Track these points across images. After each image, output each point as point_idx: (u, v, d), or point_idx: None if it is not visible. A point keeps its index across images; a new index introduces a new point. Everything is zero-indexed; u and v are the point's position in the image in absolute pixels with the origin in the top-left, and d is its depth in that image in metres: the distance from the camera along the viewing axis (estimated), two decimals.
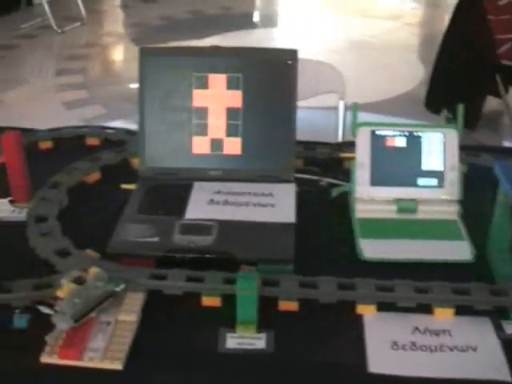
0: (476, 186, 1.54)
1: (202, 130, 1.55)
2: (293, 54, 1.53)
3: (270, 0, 8.19)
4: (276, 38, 6.54)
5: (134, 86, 5.05)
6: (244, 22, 7.00)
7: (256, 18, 7.47)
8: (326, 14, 7.18)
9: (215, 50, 1.56)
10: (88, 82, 5.25)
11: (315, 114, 3.78)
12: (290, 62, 1.53)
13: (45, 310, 1.20)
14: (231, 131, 1.55)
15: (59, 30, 6.41)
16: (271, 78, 1.54)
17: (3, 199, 1.57)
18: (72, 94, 4.94)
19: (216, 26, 6.58)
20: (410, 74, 5.35)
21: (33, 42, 6.29)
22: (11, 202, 1.56)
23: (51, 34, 6.39)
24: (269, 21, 7.32)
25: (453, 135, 1.50)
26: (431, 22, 7.07)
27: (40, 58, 6.08)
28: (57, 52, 6.23)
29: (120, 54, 6.37)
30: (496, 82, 4.03)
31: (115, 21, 7.30)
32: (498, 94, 4.14)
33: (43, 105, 4.77)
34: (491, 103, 4.31)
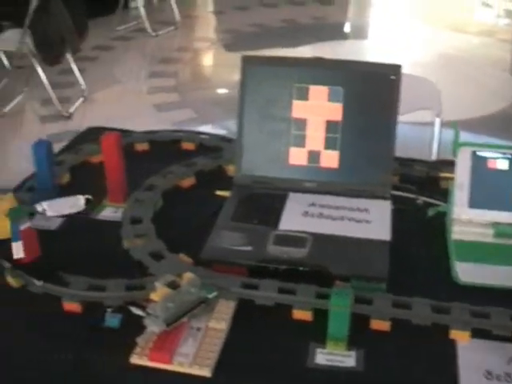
0: None
1: (300, 142, 1.54)
2: (396, 69, 1.51)
3: (362, 11, 8.13)
4: (367, 50, 6.49)
5: (223, 91, 5.09)
6: (336, 32, 6.97)
7: (347, 28, 7.43)
8: (418, 27, 7.08)
9: (317, 62, 1.55)
10: (179, 85, 5.32)
11: (408, 129, 3.73)
12: (393, 77, 1.50)
13: (136, 311, 1.21)
14: (329, 144, 1.53)
15: (153, 34, 6.52)
16: (373, 92, 1.52)
17: (80, 196, 1.59)
18: (163, 96, 5.01)
19: (308, 36, 6.57)
20: (503, 91, 5.22)
21: (127, 44, 6.43)
22: (88, 200, 1.58)
23: (145, 37, 6.51)
24: (360, 32, 7.27)
25: None
26: None
27: (134, 60, 6.21)
28: (150, 55, 6.34)
29: (211, 59, 6.43)
30: None
31: (208, 26, 7.38)
32: None
33: (135, 106, 4.86)
34: None
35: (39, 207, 1.52)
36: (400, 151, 1.66)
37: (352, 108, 1.52)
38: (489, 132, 4.31)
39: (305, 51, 5.97)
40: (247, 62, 1.56)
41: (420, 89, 2.38)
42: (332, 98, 1.52)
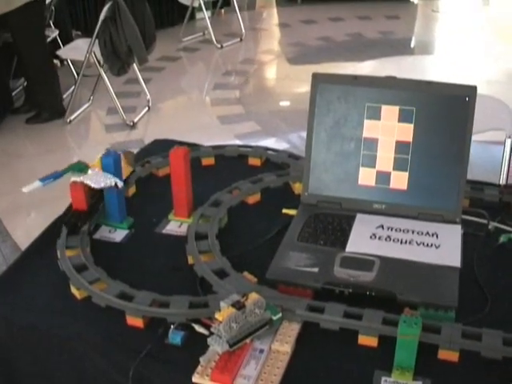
0: None
1: (370, 162, 1.52)
2: (472, 90, 1.47)
3: (428, 26, 8.05)
4: (432, 66, 6.40)
5: (287, 104, 5.08)
6: (401, 47, 6.91)
7: (413, 43, 7.35)
8: (489, 43, 6.96)
9: (389, 81, 1.52)
10: (243, 97, 5.33)
11: (476, 148, 3.65)
12: (467, 99, 1.46)
13: (200, 329, 1.20)
14: (399, 165, 1.50)
15: (218, 45, 6.57)
16: (446, 113, 1.48)
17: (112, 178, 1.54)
18: (227, 108, 5.03)
19: (374, 50, 6.52)
20: None
21: (193, 55, 6.48)
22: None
23: (211, 49, 6.57)
24: (426, 47, 7.19)
25: None
26: None
27: (198, 72, 6.26)
28: (215, 66, 6.38)
29: (275, 71, 6.44)
30: None
31: (273, 39, 7.40)
32: None
33: (198, 117, 4.88)
34: None
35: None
36: (468, 171, 1.62)
37: (423, 129, 1.48)
38: None
39: (370, 66, 5.93)
40: (318, 79, 1.54)
41: (491, 109, 2.32)
42: (403, 118, 1.49)
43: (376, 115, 1.50)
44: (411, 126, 1.49)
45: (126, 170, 1.63)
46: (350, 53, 6.46)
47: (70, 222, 1.51)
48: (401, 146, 1.50)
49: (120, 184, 1.52)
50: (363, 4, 8.34)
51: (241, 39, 6.83)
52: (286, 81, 5.78)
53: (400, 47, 6.81)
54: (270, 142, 4.18)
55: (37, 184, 1.51)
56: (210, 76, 6.02)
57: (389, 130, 1.50)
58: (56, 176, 1.54)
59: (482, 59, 6.40)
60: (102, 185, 1.50)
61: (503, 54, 6.58)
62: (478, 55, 6.53)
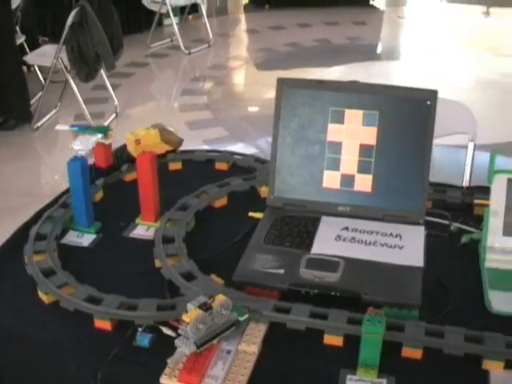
0: None
1: (334, 165, 1.54)
2: (432, 94, 1.50)
3: (395, 32, 8.14)
4: (399, 71, 6.48)
5: (255, 109, 5.10)
6: (369, 53, 6.97)
7: (380, 49, 7.43)
8: (452, 50, 7.06)
9: (353, 86, 1.55)
10: (211, 103, 5.34)
11: (440, 152, 3.70)
12: (429, 103, 1.50)
13: (167, 331, 1.21)
14: (363, 168, 1.53)
15: (186, 51, 6.58)
16: (408, 117, 1.51)
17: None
18: (195, 114, 5.04)
19: (341, 56, 6.58)
20: None
21: (161, 61, 6.49)
22: None
23: (179, 55, 6.57)
24: (393, 53, 7.26)
25: None
26: None
27: (167, 77, 6.27)
28: (183, 72, 6.39)
29: (243, 77, 6.46)
30: None
31: (242, 45, 7.43)
32: None
33: (166, 123, 4.85)
34: None
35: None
36: (432, 174, 1.65)
37: (387, 132, 1.51)
38: None
39: (337, 72, 5.97)
40: (283, 84, 1.56)
41: (455, 113, 2.36)
42: (367, 122, 1.51)
43: (340, 119, 1.53)
44: (375, 130, 1.51)
45: (160, 146, 1.68)
46: (318, 58, 6.51)
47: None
48: (365, 149, 1.52)
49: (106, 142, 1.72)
50: (331, 10, 8.41)
51: (209, 45, 6.86)
52: (254, 86, 5.81)
53: (367, 53, 6.88)
54: (239, 147, 4.19)
55: (66, 127, 1.77)
56: (178, 82, 6.03)
57: (353, 133, 1.52)
58: (82, 128, 1.73)
59: (448, 65, 6.49)
60: (90, 146, 1.64)
61: (469, 59, 6.68)
62: (445, 61, 6.62)
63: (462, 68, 6.45)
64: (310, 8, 8.39)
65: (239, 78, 6.40)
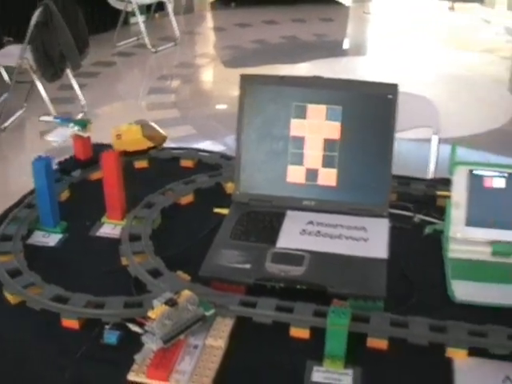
0: None
1: (298, 160, 1.55)
2: (393, 88, 1.52)
3: (361, 28, 8.19)
4: (366, 67, 6.52)
5: (223, 107, 5.11)
6: (335, 49, 7.01)
7: (347, 45, 7.47)
8: (418, 45, 7.12)
9: (316, 81, 1.56)
10: (179, 101, 5.34)
11: (405, 145, 3.74)
12: (390, 97, 1.52)
13: (134, 328, 1.21)
14: (327, 162, 1.54)
15: (153, 50, 6.56)
16: (370, 111, 1.53)
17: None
18: (163, 112, 5.03)
19: (308, 52, 6.61)
20: (504, 108, 5.24)
21: (128, 60, 6.47)
22: None
23: (146, 53, 6.56)
24: (359, 49, 7.31)
25: None
26: None
27: (134, 76, 6.25)
28: (150, 71, 6.38)
29: (211, 75, 6.47)
30: None
31: (209, 43, 7.43)
32: None
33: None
34: None
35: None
36: (398, 167, 1.67)
37: (350, 127, 1.53)
38: (488, 149, 4.33)
39: (304, 68, 6.00)
40: (246, 80, 1.57)
41: (418, 107, 2.40)
42: (330, 116, 1.53)
43: (302, 114, 1.54)
44: (338, 124, 1.53)
45: (141, 142, 1.78)
46: (285, 55, 6.53)
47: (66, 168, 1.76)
48: (329, 144, 1.54)
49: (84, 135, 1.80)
50: (297, 7, 8.43)
51: (175, 43, 6.85)
52: (222, 84, 5.81)
53: (334, 49, 6.92)
54: (206, 145, 4.19)
55: (50, 118, 1.92)
56: (145, 80, 6.02)
57: (316, 128, 1.54)
58: (63, 120, 1.83)
59: (413, 60, 6.55)
60: (65, 139, 1.74)
61: (434, 54, 6.75)
62: (410, 56, 6.68)
63: (427, 63, 6.50)
64: (276, 5, 8.40)
65: (206, 76, 6.40)
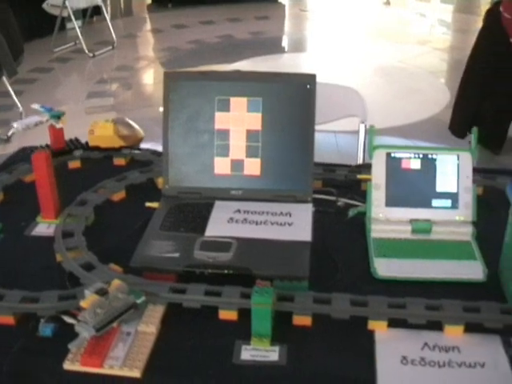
0: (492, 208, 1.57)
1: (224, 152, 1.61)
2: (311, 78, 1.59)
3: (297, 25, 8.28)
4: (304, 63, 6.62)
5: (160, 108, 5.09)
6: (273, 46, 7.09)
7: (285, 42, 7.56)
8: (356, 40, 7.25)
9: (237, 75, 1.62)
10: (117, 104, 5.35)
11: (341, 138, 3.83)
12: (308, 87, 1.58)
13: (69, 319, 1.25)
14: (251, 152, 1.60)
15: (91, 54, 6.55)
16: (290, 101, 1.59)
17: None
18: (101, 116, 5.03)
19: (245, 51, 6.68)
20: (437, 98, 5.39)
21: (66, 65, 6.44)
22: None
23: (83, 58, 6.54)
24: (297, 45, 7.40)
25: (467, 158, 1.54)
26: (460, 47, 7.10)
27: (72, 81, 6.23)
28: (88, 75, 6.36)
29: (150, 77, 6.48)
30: None
31: (146, 45, 7.44)
32: None
33: (72, 127, 4.85)
34: None
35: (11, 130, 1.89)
36: (333, 158, 1.74)
37: (271, 117, 1.59)
38: (420, 138, 4.45)
39: (242, 66, 6.06)
40: (169, 77, 1.62)
41: (344, 97, 2.47)
42: (251, 108, 1.59)
43: (226, 107, 1.60)
44: (259, 115, 1.59)
45: (114, 140, 1.89)
46: (222, 54, 6.59)
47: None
48: (251, 135, 1.60)
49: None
50: (233, 6, 8.51)
51: (113, 47, 6.84)
52: (160, 85, 5.79)
53: (270, 46, 7.00)
54: (146, 147, 4.20)
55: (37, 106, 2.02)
56: (84, 85, 6.00)
57: (239, 120, 1.60)
58: (46, 109, 1.99)
59: (349, 54, 6.66)
60: (25, 127, 1.87)
61: (370, 48, 6.88)
62: (347, 51, 6.79)
63: (362, 56, 6.63)
64: (212, 5, 8.48)
65: (145, 78, 6.41)
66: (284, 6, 9.01)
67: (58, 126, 1.94)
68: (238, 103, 1.59)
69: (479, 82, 4.09)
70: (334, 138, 4.05)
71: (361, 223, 1.57)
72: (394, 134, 4.50)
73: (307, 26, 8.18)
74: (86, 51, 6.55)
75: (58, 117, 1.94)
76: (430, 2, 9.55)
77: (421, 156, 1.54)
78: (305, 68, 6.25)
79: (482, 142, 4.33)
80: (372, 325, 1.27)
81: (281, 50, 7.19)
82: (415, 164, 1.54)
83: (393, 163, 1.54)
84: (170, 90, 1.61)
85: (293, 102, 1.59)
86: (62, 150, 1.96)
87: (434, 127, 4.70)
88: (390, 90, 5.62)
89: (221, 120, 1.60)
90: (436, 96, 5.47)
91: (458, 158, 1.54)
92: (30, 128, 1.83)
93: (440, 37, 7.71)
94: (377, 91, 5.49)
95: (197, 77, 1.62)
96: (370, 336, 1.26)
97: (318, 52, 6.99)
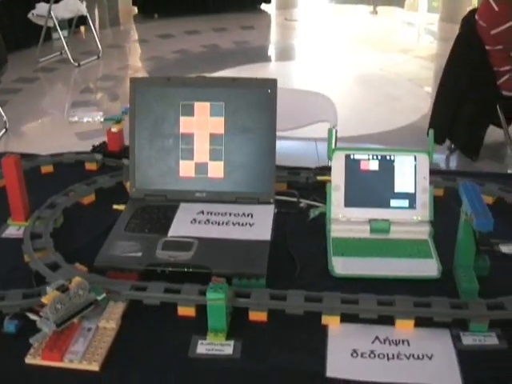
0: (452, 208, 1.61)
1: (189, 155, 1.66)
2: (272, 83, 1.64)
3: (282, 35, 8.35)
4: (288, 72, 6.67)
5: None
6: (258, 55, 7.15)
7: (269, 51, 7.62)
8: (340, 49, 7.32)
9: (200, 80, 1.67)
10: (103, 113, 5.38)
11: (322, 146, 3.87)
12: (269, 91, 1.63)
13: (32, 316, 1.29)
14: (215, 156, 1.65)
15: (76, 64, 6.60)
16: (252, 105, 1.64)
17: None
18: (86, 125, 5.04)
19: (230, 60, 6.74)
20: (416, 105, 5.46)
21: (51, 75, 6.49)
22: None
23: (69, 68, 6.59)
24: (283, 55, 7.47)
25: (424, 159, 1.59)
26: (442, 55, 7.16)
27: (57, 91, 6.27)
28: (73, 85, 6.40)
29: None
30: (497, 113, 4.11)
31: (132, 55, 7.49)
32: (500, 125, 4.21)
33: (57, 136, 4.90)
34: (495, 134, 4.38)
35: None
36: (299, 160, 1.78)
37: (233, 121, 1.64)
38: (398, 144, 4.50)
39: (226, 75, 6.11)
40: (135, 83, 1.67)
41: (317, 103, 2.52)
42: (214, 112, 1.64)
43: (190, 112, 1.65)
44: (222, 119, 1.64)
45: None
46: (206, 63, 6.64)
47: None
48: (214, 138, 1.65)
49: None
50: (219, 16, 8.57)
51: (98, 56, 6.89)
52: None
53: (255, 56, 7.06)
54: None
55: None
56: (69, 95, 6.05)
57: (202, 124, 1.65)
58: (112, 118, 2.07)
59: (334, 63, 6.73)
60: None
61: (356, 57, 6.95)
62: (332, 60, 6.86)
63: (345, 65, 6.70)
64: (198, 15, 8.53)
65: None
66: (269, 15, 9.09)
67: (113, 129, 2.01)
68: (202, 108, 1.64)
69: (455, 88, 4.15)
70: (314, 146, 4.11)
71: (322, 224, 1.61)
72: (371, 141, 4.56)
73: (292, 35, 8.25)
74: (72, 61, 6.59)
75: (117, 121, 2.02)
76: (417, 11, 9.64)
77: (379, 157, 1.59)
78: (288, 76, 6.31)
79: (459, 148, 4.43)
80: (325, 319, 1.31)
81: (266, 59, 7.26)
82: (373, 165, 1.59)
83: (352, 165, 1.59)
84: (136, 96, 1.66)
85: (254, 106, 1.64)
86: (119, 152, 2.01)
87: (412, 134, 4.75)
88: (369, 97, 5.68)
89: (185, 124, 1.65)
90: (415, 103, 5.54)
91: (416, 160, 1.59)
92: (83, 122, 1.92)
93: (424, 45, 7.80)
94: (356, 98, 5.55)
95: (162, 83, 1.67)
96: (323, 331, 1.30)
97: (302, 61, 7.06)
